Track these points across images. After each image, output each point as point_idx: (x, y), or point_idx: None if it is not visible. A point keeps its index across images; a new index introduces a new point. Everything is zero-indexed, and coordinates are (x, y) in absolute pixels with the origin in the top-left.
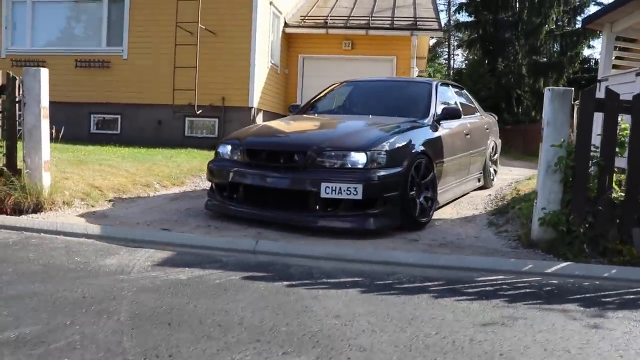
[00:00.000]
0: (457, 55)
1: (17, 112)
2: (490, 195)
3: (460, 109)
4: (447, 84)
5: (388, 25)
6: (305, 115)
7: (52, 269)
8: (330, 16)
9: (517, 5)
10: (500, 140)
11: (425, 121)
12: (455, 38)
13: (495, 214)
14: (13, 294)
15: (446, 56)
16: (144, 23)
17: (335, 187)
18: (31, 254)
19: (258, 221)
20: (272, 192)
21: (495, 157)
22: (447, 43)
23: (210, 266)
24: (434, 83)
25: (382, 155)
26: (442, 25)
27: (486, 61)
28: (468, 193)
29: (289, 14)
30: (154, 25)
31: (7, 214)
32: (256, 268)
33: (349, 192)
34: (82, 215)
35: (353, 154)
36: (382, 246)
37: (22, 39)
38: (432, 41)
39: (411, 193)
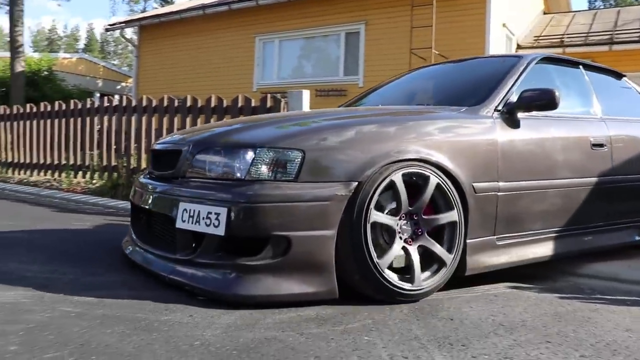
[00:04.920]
0: None
1: None
2: None
3: (557, 95)
4: (568, 62)
5: (637, 38)
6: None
7: None
8: (567, 34)
9: None
10: None
11: (477, 111)
12: None
13: None
14: None
15: None
16: (378, 51)
17: (195, 212)
18: None
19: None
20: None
21: None
22: None
23: None
24: (527, 57)
25: (291, 157)
26: None
27: None
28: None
29: (521, 35)
30: (388, 53)
31: None
32: (519, 279)
33: (208, 222)
34: None
35: (241, 152)
36: None
37: (270, 73)
38: None
39: (380, 235)
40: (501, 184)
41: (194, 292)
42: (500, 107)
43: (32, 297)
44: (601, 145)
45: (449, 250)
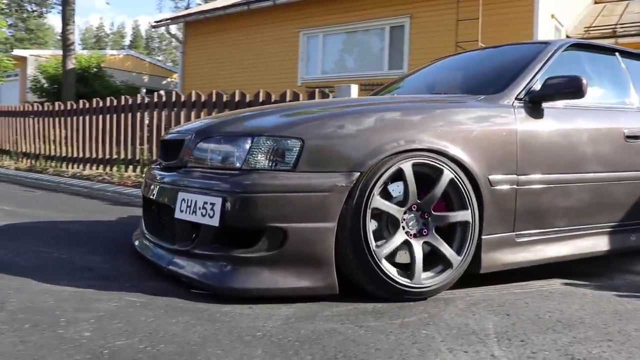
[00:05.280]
0: None
1: None
2: None
3: (585, 83)
4: (602, 49)
5: None
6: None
7: None
8: (620, 24)
9: None
10: None
11: (496, 99)
12: None
13: None
14: None
15: None
16: (423, 45)
17: (192, 202)
18: None
19: None
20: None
21: None
22: None
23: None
24: (555, 44)
25: (290, 146)
26: None
27: None
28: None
29: (570, 26)
30: (433, 47)
31: None
32: (574, 276)
33: (204, 212)
34: None
35: (239, 141)
36: None
37: (314, 68)
38: None
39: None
40: (521, 177)
41: (190, 285)
42: (521, 96)
43: (98, 286)
44: (637, 137)
45: (458, 252)
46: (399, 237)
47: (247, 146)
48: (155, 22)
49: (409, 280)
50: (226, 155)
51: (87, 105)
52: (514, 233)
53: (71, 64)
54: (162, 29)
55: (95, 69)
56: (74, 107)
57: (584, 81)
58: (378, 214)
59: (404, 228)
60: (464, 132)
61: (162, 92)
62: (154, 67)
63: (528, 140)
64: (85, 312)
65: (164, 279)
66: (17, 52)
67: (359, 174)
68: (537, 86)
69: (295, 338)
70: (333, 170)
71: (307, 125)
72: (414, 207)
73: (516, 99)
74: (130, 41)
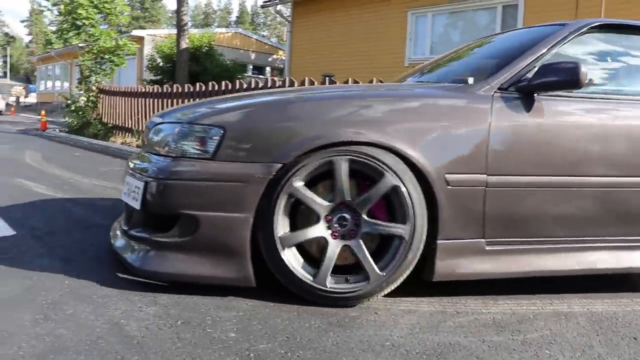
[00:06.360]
0: None
1: None
2: None
3: (583, 71)
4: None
5: None
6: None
7: None
8: None
9: None
10: None
11: (470, 89)
12: None
13: None
14: None
15: None
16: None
17: (131, 185)
18: None
19: None
20: None
21: None
22: None
23: None
24: (572, 25)
25: (211, 135)
26: None
27: None
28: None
29: None
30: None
31: None
32: None
33: (134, 195)
34: None
35: (171, 128)
36: None
37: (422, 48)
38: None
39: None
40: (491, 177)
41: (125, 266)
42: (505, 86)
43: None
44: None
45: (383, 267)
46: (314, 231)
47: (174, 134)
48: (264, 2)
49: (311, 278)
50: (160, 142)
51: (203, 88)
52: (484, 240)
53: (184, 44)
54: (272, 9)
55: (206, 48)
56: (190, 89)
57: (582, 70)
58: (308, 208)
59: (327, 224)
60: (416, 125)
61: (267, 69)
62: (260, 45)
63: (506, 136)
64: (226, 311)
65: None
66: (135, 32)
67: (281, 165)
68: (528, 73)
69: (422, 350)
70: (253, 161)
71: (231, 114)
72: (355, 208)
73: (499, 89)
74: (237, 17)
